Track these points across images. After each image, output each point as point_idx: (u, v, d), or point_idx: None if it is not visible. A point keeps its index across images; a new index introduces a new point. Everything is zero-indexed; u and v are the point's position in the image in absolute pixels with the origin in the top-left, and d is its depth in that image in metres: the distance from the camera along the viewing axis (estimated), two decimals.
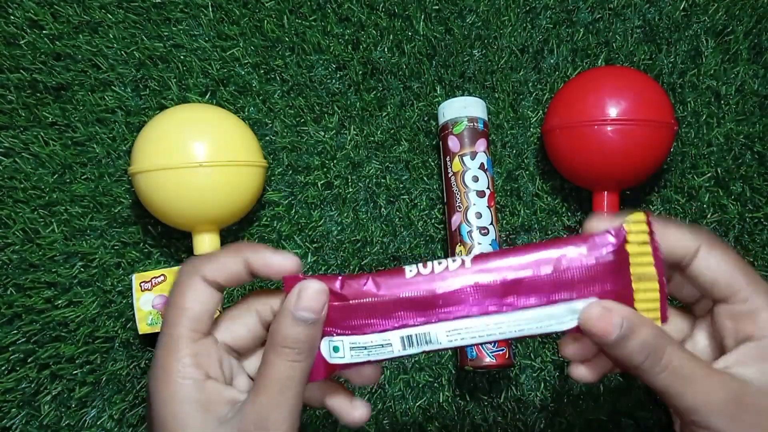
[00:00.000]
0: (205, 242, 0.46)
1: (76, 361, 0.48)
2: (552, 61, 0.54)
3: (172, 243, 0.50)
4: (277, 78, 0.53)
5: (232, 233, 0.51)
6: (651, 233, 0.27)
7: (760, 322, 0.27)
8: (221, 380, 0.29)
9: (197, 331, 0.28)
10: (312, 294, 0.28)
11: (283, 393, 0.27)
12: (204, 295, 0.28)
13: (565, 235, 0.29)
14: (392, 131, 0.53)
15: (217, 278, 0.28)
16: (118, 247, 0.50)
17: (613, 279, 0.27)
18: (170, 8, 0.53)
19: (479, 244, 0.46)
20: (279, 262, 0.28)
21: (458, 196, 0.47)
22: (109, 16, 0.52)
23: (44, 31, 0.51)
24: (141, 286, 0.46)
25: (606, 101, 0.45)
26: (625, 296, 0.27)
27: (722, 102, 0.53)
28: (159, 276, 0.47)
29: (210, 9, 0.53)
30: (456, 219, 0.47)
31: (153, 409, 0.28)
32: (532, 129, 0.53)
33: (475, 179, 0.47)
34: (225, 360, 0.30)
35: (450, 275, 0.28)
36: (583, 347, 0.29)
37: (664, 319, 0.28)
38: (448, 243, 0.49)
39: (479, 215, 0.47)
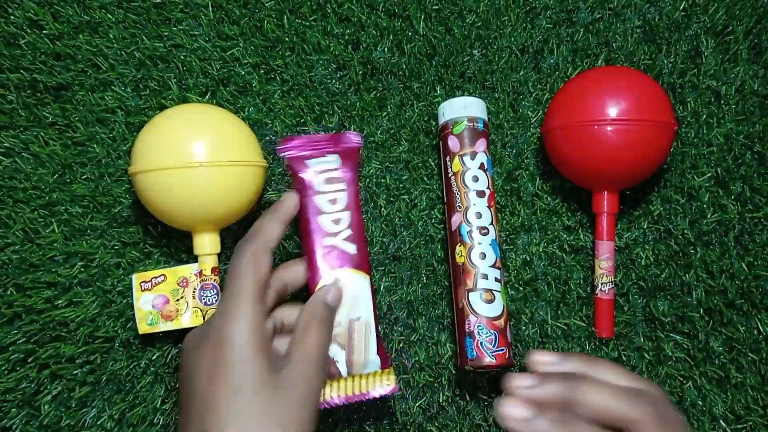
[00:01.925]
0: (205, 242, 0.46)
1: (76, 361, 0.48)
2: (552, 61, 0.54)
3: (172, 243, 0.50)
4: (277, 78, 0.53)
5: (232, 233, 0.51)
6: None
7: None
8: (269, 333, 0.36)
9: (260, 292, 0.35)
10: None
11: (319, 357, 0.36)
12: (258, 261, 0.36)
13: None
14: (392, 131, 0.53)
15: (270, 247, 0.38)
16: (118, 247, 0.50)
17: None
18: (170, 8, 0.53)
19: (479, 243, 0.46)
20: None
21: (458, 196, 0.47)
22: (109, 16, 0.52)
23: (44, 31, 0.52)
24: (141, 286, 0.46)
25: (606, 101, 0.45)
26: None
27: (722, 102, 0.53)
28: (159, 276, 0.47)
29: (210, 9, 0.53)
30: (456, 219, 0.47)
31: (198, 362, 0.33)
32: (532, 129, 0.53)
33: (475, 179, 0.47)
34: (270, 319, 0.37)
35: None
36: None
37: None
38: (448, 243, 0.49)
39: (479, 215, 0.47)
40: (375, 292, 0.46)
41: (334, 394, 0.38)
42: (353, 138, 0.42)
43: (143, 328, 0.46)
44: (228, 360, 0.32)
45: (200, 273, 0.47)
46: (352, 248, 0.40)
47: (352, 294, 0.39)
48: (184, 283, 0.47)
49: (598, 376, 0.32)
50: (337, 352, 0.39)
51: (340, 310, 0.39)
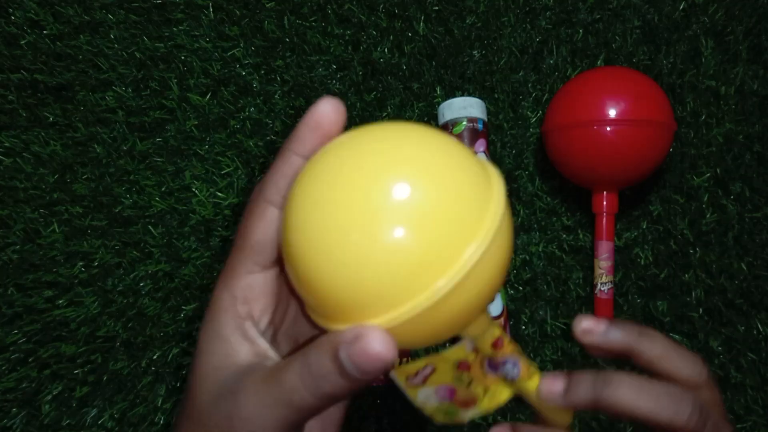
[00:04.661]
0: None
1: (77, 361, 0.48)
2: (551, 61, 0.54)
3: (172, 243, 0.50)
4: (278, 78, 0.53)
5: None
6: None
7: None
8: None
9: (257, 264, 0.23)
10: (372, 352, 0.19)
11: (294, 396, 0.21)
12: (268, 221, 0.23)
13: None
14: None
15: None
16: (118, 247, 0.50)
17: None
18: (171, 9, 0.53)
19: None
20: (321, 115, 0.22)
21: None
22: (109, 16, 0.52)
23: (45, 32, 0.52)
24: (409, 382, 0.30)
25: (605, 101, 0.45)
26: None
27: (722, 102, 0.53)
28: (425, 367, 0.31)
29: (210, 9, 0.53)
30: None
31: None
32: (531, 129, 0.53)
33: None
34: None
35: None
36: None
37: None
38: None
39: None
40: None
41: None
42: None
43: (440, 418, 0.30)
44: None
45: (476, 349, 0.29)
46: None
47: None
48: (465, 366, 0.31)
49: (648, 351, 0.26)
50: None
51: None
